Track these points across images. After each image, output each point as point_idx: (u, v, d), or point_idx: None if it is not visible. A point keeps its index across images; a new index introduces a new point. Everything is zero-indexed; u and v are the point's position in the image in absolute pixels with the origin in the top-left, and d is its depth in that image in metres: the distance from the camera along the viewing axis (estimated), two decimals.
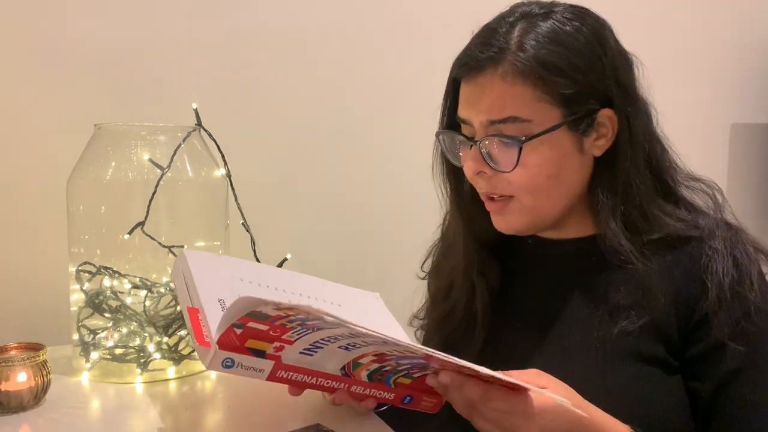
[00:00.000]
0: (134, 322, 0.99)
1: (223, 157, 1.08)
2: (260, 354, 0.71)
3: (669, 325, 0.82)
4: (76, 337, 1.01)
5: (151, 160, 1.00)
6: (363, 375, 0.77)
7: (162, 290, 1.01)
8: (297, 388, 0.78)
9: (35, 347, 0.89)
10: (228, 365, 0.69)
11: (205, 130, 1.07)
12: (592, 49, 0.82)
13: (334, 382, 0.77)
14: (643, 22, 1.65)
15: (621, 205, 0.85)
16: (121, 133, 1.04)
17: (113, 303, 0.99)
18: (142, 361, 0.98)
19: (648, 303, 0.82)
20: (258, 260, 1.07)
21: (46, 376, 0.88)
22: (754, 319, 0.80)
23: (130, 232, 0.98)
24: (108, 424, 0.86)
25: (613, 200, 0.85)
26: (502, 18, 0.85)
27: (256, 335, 0.68)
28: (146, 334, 0.99)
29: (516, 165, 0.82)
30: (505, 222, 0.88)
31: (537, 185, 0.84)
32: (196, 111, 1.06)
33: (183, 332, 1.00)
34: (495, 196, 0.87)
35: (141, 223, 0.97)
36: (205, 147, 1.08)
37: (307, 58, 1.42)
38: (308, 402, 0.87)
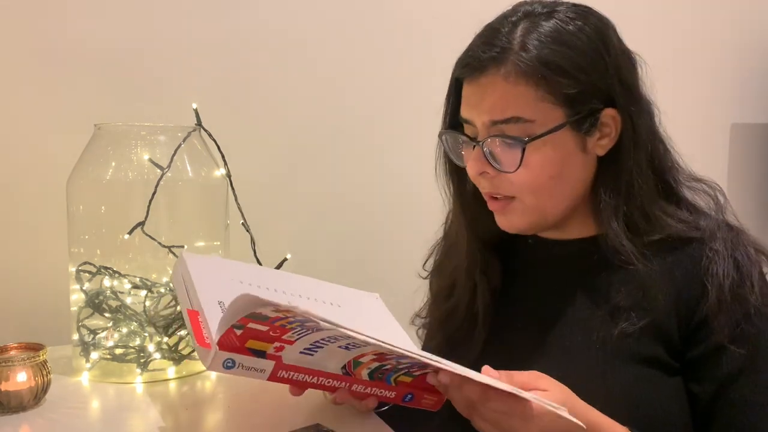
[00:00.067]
0: (134, 322, 0.99)
1: (223, 157, 1.08)
2: (261, 354, 0.71)
3: (669, 327, 0.82)
4: (76, 337, 1.01)
5: (151, 160, 1.00)
6: (364, 374, 0.77)
7: (162, 290, 1.01)
8: (298, 387, 0.78)
9: (35, 347, 0.89)
10: (229, 366, 0.69)
11: (205, 130, 1.07)
12: (595, 48, 0.82)
13: (335, 381, 0.77)
14: (643, 22, 1.65)
15: (623, 206, 0.85)
16: (121, 133, 1.04)
17: (113, 303, 0.99)
18: (142, 361, 0.98)
19: (648, 304, 0.82)
20: (258, 260, 1.07)
21: (46, 376, 0.88)
22: (755, 321, 0.80)
23: (130, 232, 0.98)
24: (108, 424, 0.85)
25: (615, 200, 0.85)
26: (504, 17, 0.84)
27: (257, 336, 0.68)
28: (146, 334, 0.99)
29: (519, 165, 0.82)
30: (508, 221, 0.88)
31: (540, 185, 0.83)
32: (196, 111, 1.06)
33: (183, 332, 1.00)
34: (498, 196, 0.87)
35: (141, 223, 0.97)
36: (205, 147, 1.07)
37: (307, 58, 1.42)
38: (308, 402, 0.87)
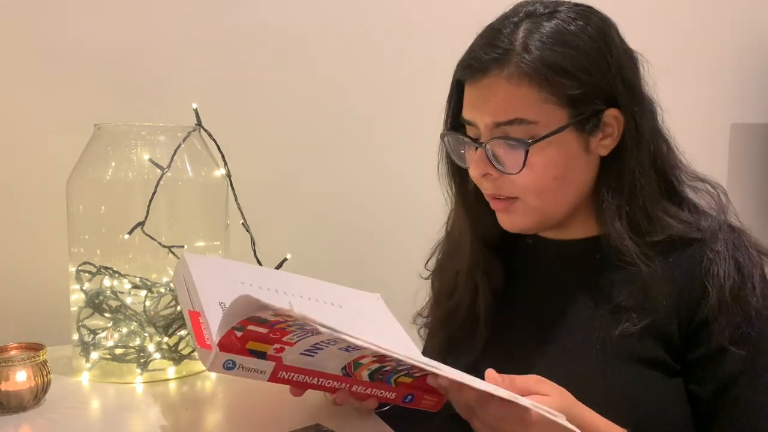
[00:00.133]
0: (134, 322, 0.99)
1: (223, 157, 1.08)
2: (261, 355, 0.71)
3: (670, 328, 0.82)
4: (76, 337, 1.01)
5: (151, 160, 1.00)
6: (364, 375, 0.77)
7: (162, 290, 1.01)
8: (298, 388, 0.78)
9: (35, 347, 0.89)
10: (229, 367, 0.69)
11: (205, 130, 1.07)
12: (598, 48, 0.81)
13: (335, 383, 0.77)
14: (643, 22, 1.64)
15: (626, 206, 0.84)
16: (121, 133, 1.04)
17: (113, 303, 0.99)
18: (142, 361, 0.98)
19: (649, 305, 0.82)
20: (258, 260, 1.07)
21: (46, 376, 0.88)
22: (755, 323, 0.80)
23: (130, 232, 0.97)
24: (108, 424, 0.85)
25: (618, 200, 0.84)
26: (505, 18, 0.84)
27: (257, 337, 0.68)
28: (146, 334, 0.99)
29: (522, 167, 0.81)
30: (511, 221, 0.88)
31: (543, 187, 0.83)
32: (196, 111, 1.06)
33: (183, 332, 1.00)
34: (501, 197, 0.86)
35: (141, 223, 0.97)
36: (205, 147, 1.07)
37: (307, 58, 1.42)
38: (308, 402, 0.87)
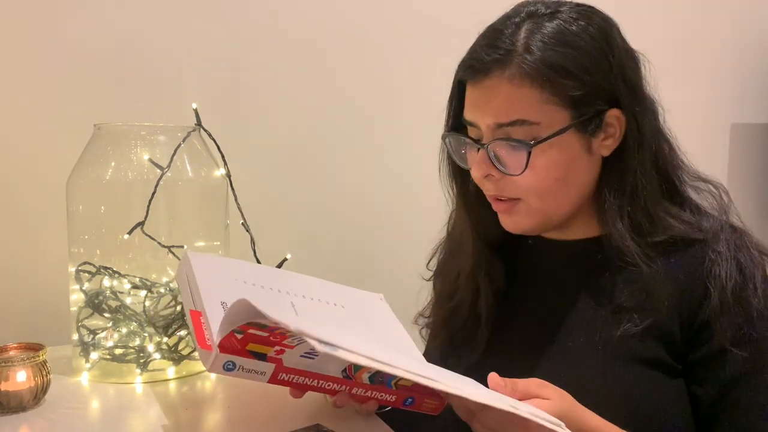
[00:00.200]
0: (134, 322, 0.99)
1: (223, 157, 1.08)
2: (261, 357, 0.71)
3: (671, 328, 0.82)
4: (75, 337, 1.01)
5: (151, 160, 1.00)
6: (364, 377, 0.77)
7: (162, 290, 1.01)
8: (298, 390, 0.78)
9: (35, 347, 0.89)
10: (229, 368, 0.69)
11: (205, 130, 1.07)
12: (599, 48, 0.81)
13: (335, 385, 0.77)
14: (643, 22, 1.64)
15: (628, 206, 0.84)
16: (121, 133, 1.04)
17: (113, 303, 0.99)
18: (141, 361, 0.98)
19: (651, 306, 0.82)
20: (258, 260, 1.07)
21: (46, 376, 0.88)
22: (757, 323, 0.80)
23: (129, 232, 0.97)
24: (108, 424, 0.85)
25: (620, 200, 0.84)
26: (507, 18, 0.84)
27: (257, 340, 0.68)
28: (146, 334, 0.99)
29: (525, 168, 0.81)
30: (513, 222, 0.88)
31: (546, 188, 0.83)
32: (196, 111, 1.06)
33: (183, 332, 1.00)
34: (503, 198, 0.86)
35: (141, 223, 0.97)
36: (205, 147, 1.07)
37: (308, 58, 1.42)
38: (308, 402, 0.87)
